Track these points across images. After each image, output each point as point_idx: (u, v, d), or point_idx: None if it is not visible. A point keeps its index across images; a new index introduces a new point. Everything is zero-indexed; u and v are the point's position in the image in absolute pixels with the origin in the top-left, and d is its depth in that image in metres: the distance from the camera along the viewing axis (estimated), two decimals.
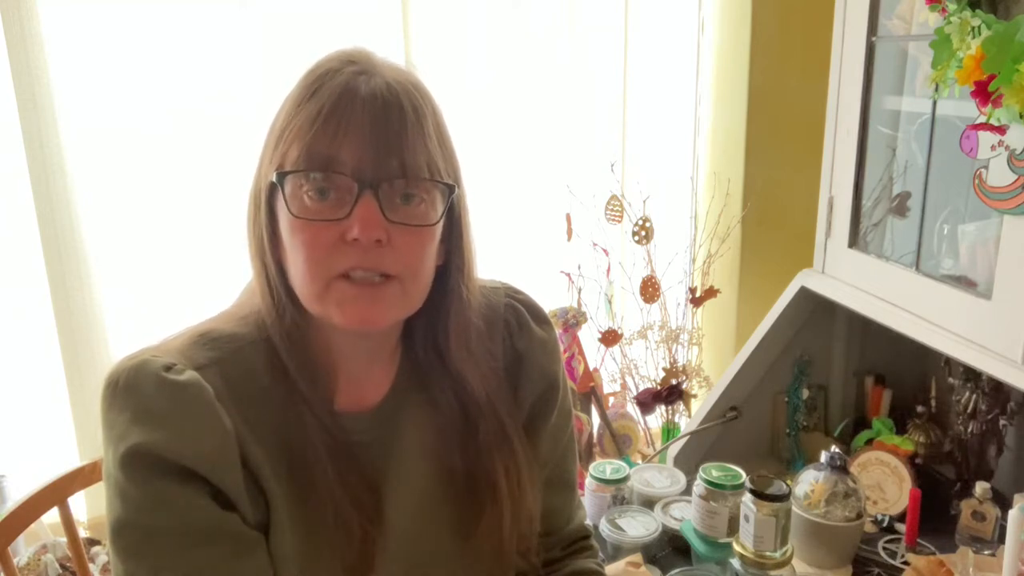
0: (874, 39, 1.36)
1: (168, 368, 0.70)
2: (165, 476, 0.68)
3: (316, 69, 0.72)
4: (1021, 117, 1.02)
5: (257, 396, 0.74)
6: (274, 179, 0.70)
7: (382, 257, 0.70)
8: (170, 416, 0.68)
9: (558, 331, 1.88)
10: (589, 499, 1.38)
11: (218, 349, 0.74)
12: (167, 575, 0.69)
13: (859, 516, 1.24)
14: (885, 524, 1.37)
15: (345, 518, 0.74)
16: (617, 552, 1.27)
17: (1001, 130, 1.05)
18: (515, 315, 0.89)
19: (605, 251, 2.04)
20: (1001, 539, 1.21)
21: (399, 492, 0.80)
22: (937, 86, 1.18)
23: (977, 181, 1.13)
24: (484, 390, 0.83)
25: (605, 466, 1.40)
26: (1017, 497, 1.16)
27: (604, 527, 1.29)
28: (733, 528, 1.18)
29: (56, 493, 1.16)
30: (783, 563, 1.09)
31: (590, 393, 1.97)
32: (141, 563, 0.69)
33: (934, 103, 1.26)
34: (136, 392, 0.69)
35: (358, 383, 0.80)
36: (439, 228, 0.75)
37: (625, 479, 1.38)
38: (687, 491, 1.37)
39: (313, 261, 0.70)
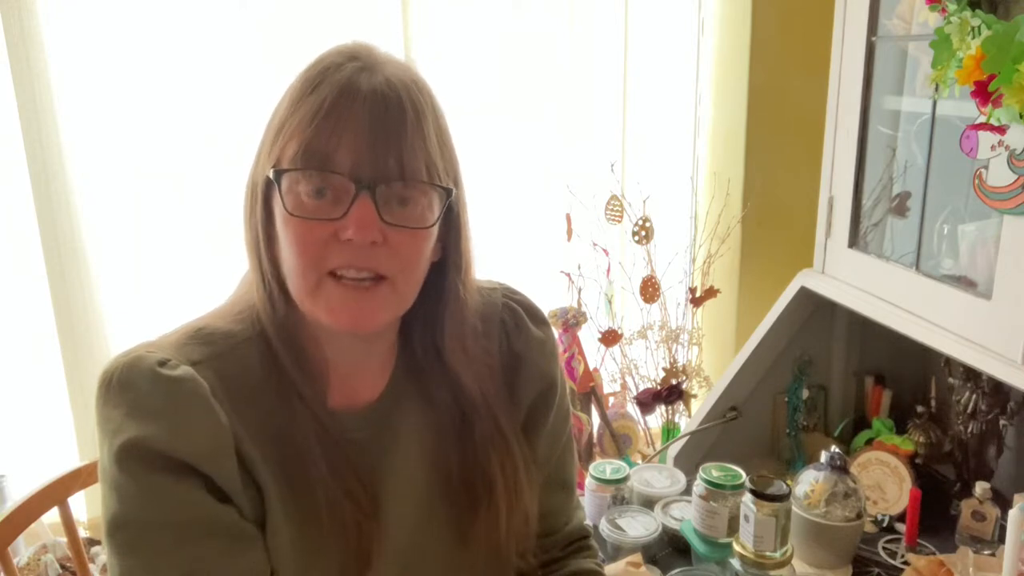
0: (874, 39, 1.36)
1: (163, 364, 0.70)
2: (160, 471, 0.68)
3: (318, 64, 0.71)
4: (1021, 117, 1.01)
5: (251, 392, 0.74)
6: (271, 176, 0.70)
7: (376, 257, 0.70)
8: (165, 411, 0.68)
9: (558, 331, 1.88)
10: (589, 499, 1.38)
11: (213, 345, 0.74)
12: (164, 570, 0.69)
13: (859, 516, 1.24)
14: (885, 524, 1.37)
15: (339, 514, 0.74)
16: (617, 552, 1.27)
17: (1001, 130, 1.05)
18: (512, 316, 0.89)
19: (605, 251, 2.04)
20: (1001, 539, 1.21)
21: (395, 490, 0.80)
22: (937, 86, 1.18)
23: (977, 181, 1.13)
24: (480, 389, 0.83)
25: (605, 466, 1.39)
26: (1017, 497, 1.15)
27: (604, 527, 1.29)
28: (733, 528, 1.18)
29: (56, 493, 1.16)
30: (783, 563, 1.09)
31: (590, 393, 1.97)
32: (137, 558, 0.69)
33: (934, 103, 1.26)
34: (131, 387, 0.69)
35: (352, 380, 0.80)
36: (436, 228, 0.75)
37: (625, 479, 1.38)
38: (687, 491, 1.37)
39: (306, 257, 0.70)
